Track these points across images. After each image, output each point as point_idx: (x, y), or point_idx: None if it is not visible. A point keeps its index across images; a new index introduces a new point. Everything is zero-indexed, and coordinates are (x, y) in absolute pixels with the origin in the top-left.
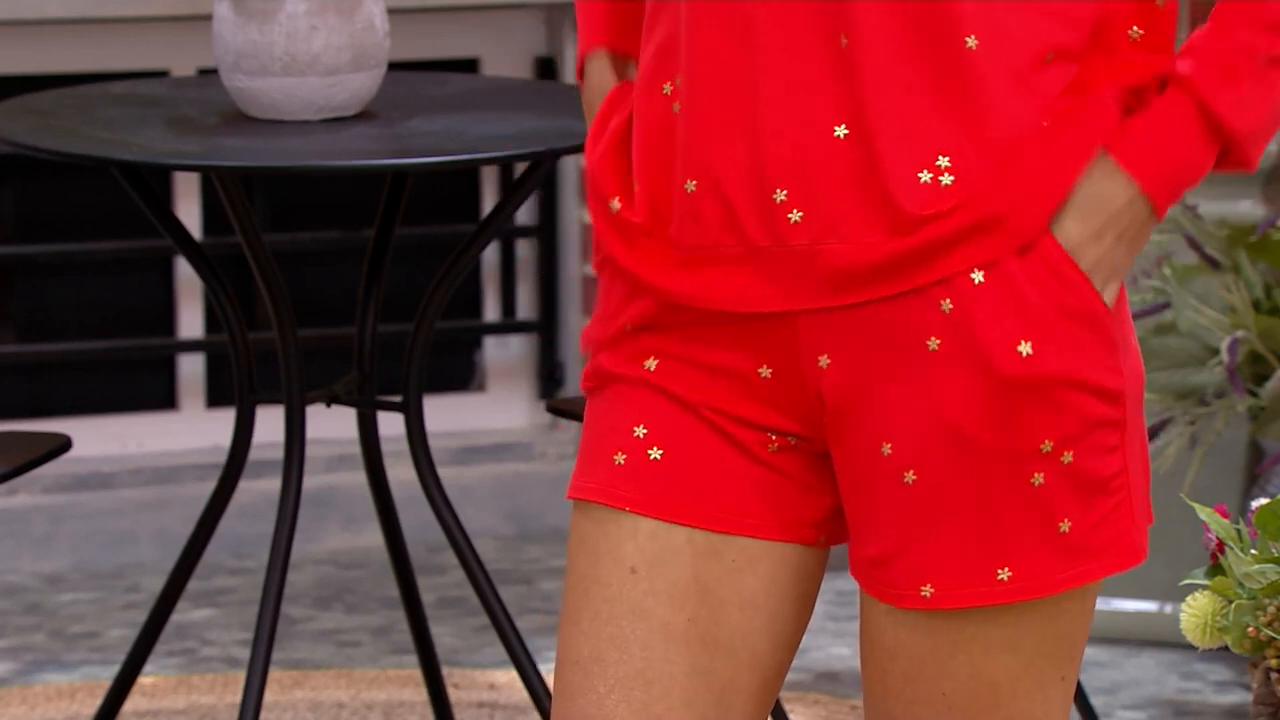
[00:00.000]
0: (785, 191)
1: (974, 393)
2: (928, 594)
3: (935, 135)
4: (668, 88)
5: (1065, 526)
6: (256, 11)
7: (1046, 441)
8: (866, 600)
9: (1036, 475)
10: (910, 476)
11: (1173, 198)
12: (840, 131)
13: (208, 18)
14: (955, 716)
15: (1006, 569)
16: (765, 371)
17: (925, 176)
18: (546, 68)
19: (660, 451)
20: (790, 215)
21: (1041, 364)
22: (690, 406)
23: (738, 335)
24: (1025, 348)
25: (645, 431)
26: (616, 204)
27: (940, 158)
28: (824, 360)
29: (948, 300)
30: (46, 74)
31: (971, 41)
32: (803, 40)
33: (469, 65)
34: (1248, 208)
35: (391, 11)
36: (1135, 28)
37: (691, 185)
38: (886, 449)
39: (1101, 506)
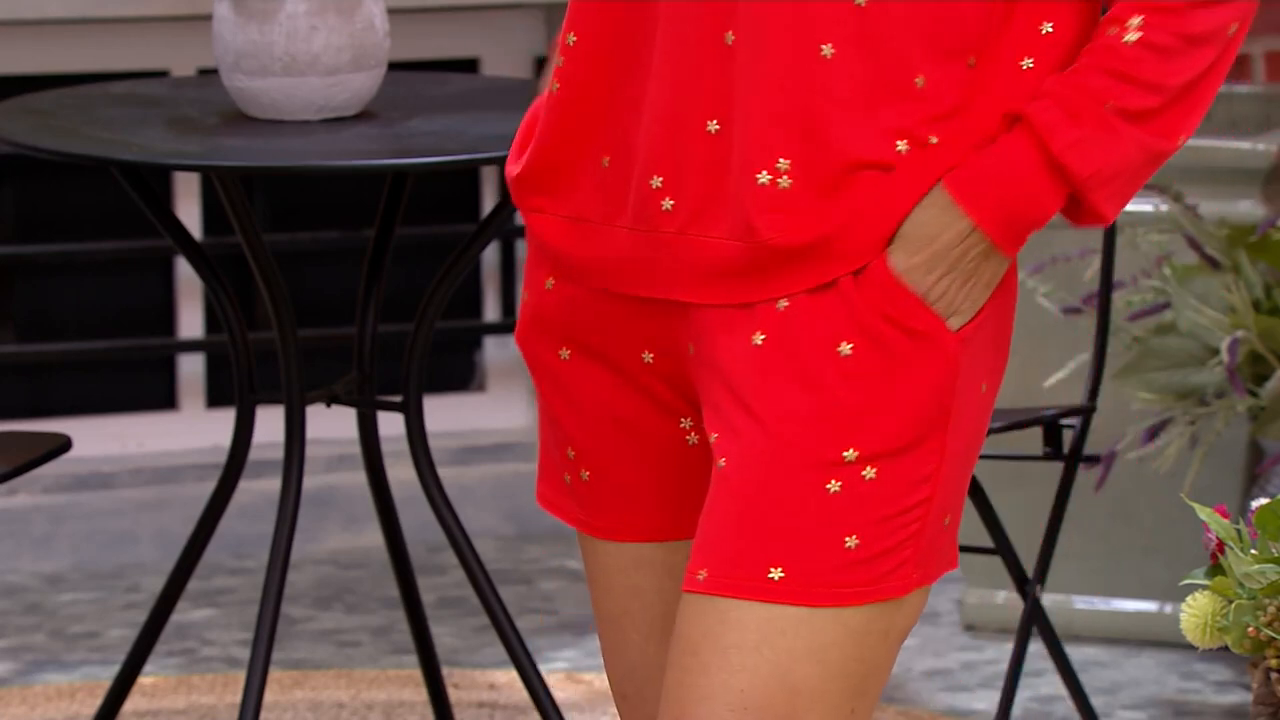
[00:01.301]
0: (660, 179)
1: (787, 388)
2: (701, 577)
3: (782, 139)
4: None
5: (851, 542)
6: (256, 11)
7: (851, 449)
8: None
9: (833, 482)
10: (721, 463)
11: (1014, 235)
12: (712, 126)
13: (208, 18)
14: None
15: (780, 569)
16: (648, 356)
17: (764, 178)
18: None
19: (588, 473)
20: (663, 202)
21: (859, 366)
22: (606, 414)
23: (629, 316)
24: (845, 348)
25: (574, 454)
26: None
27: (781, 160)
28: (691, 348)
29: (784, 300)
30: (46, 74)
31: (827, 50)
32: (692, 33)
33: (469, 65)
34: (1248, 208)
35: (391, 11)
36: (1027, 59)
37: (606, 161)
38: (713, 437)
39: (894, 534)
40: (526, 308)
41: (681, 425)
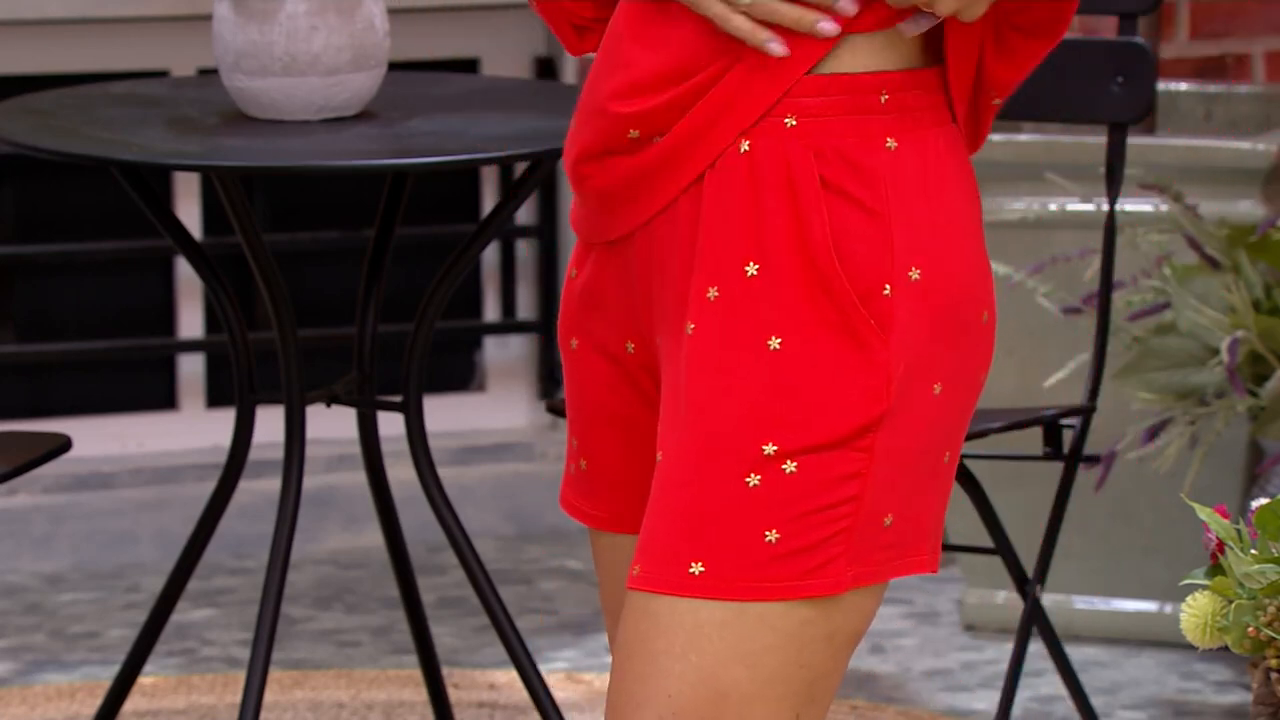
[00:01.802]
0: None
1: (713, 380)
2: (635, 573)
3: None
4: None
5: (772, 536)
6: (256, 11)
7: (770, 444)
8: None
9: (753, 475)
10: (659, 456)
11: None
12: None
13: (208, 18)
14: None
15: (700, 563)
16: (630, 346)
17: None
18: (546, 68)
19: (585, 462)
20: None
21: (784, 361)
22: (599, 402)
23: (617, 305)
24: (774, 342)
25: (577, 443)
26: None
27: None
28: (659, 340)
29: (713, 289)
30: (46, 74)
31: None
32: None
33: (469, 65)
34: (1248, 208)
35: (391, 11)
36: None
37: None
38: (660, 430)
39: (817, 529)
40: (562, 299)
41: None
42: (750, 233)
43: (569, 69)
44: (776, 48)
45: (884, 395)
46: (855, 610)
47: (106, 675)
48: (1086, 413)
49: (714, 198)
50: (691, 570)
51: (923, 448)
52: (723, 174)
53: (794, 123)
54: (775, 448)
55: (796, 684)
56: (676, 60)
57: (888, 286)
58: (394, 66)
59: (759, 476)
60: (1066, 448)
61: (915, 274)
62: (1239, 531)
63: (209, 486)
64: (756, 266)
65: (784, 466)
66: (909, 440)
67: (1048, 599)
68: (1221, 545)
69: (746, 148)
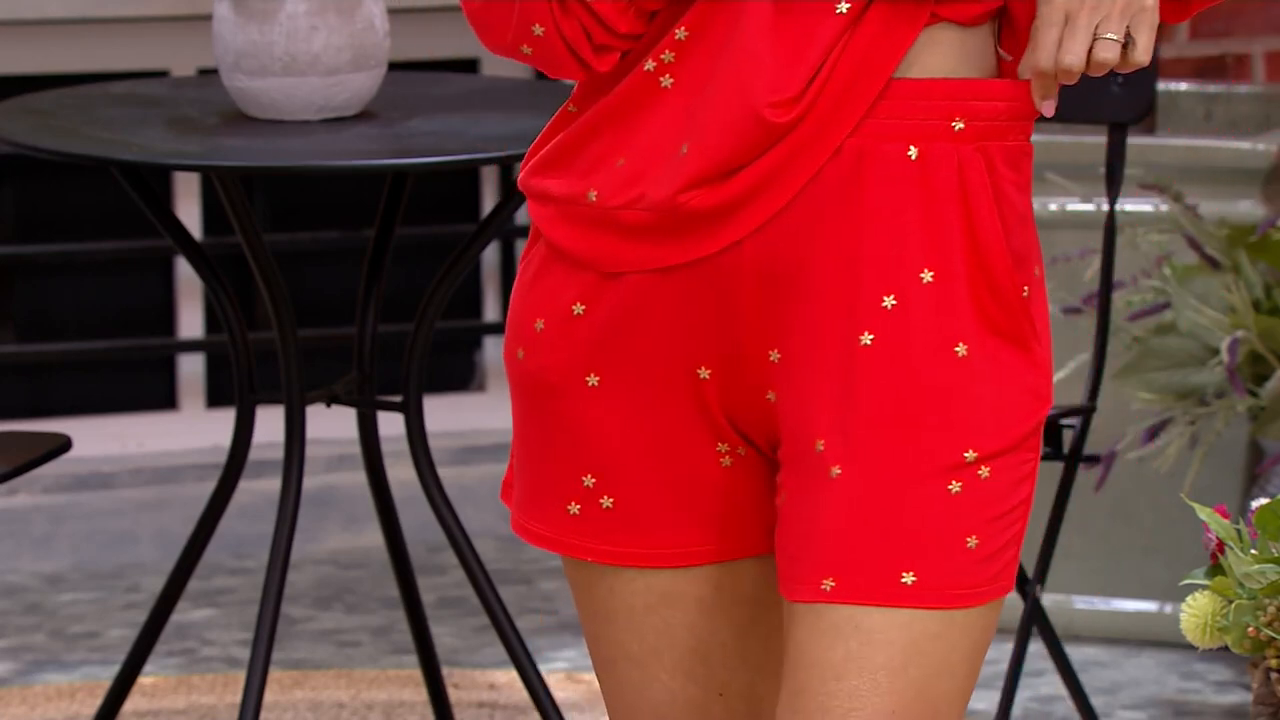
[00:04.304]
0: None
1: (904, 390)
2: (828, 587)
3: None
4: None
5: (972, 542)
6: (256, 11)
7: (971, 450)
8: (796, 619)
9: (955, 483)
10: (836, 471)
11: None
12: None
13: (208, 18)
14: None
15: (912, 573)
16: (704, 373)
17: None
18: None
19: (611, 500)
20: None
21: (973, 367)
22: (636, 437)
23: (684, 328)
24: (961, 349)
25: (594, 481)
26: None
27: None
28: (775, 354)
29: (890, 298)
30: (46, 74)
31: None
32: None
33: (469, 65)
34: (1248, 208)
35: (391, 11)
36: None
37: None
38: (820, 445)
39: (1004, 531)
40: (542, 339)
41: (718, 449)
42: (925, 239)
43: None
44: (1049, 107)
45: (1047, 394)
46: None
47: (106, 675)
48: (1086, 413)
49: (880, 203)
50: (904, 580)
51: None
52: (890, 179)
53: (962, 126)
54: (975, 454)
55: (970, 688)
56: (814, 63)
57: (1026, 288)
58: (394, 66)
59: (960, 483)
60: (1066, 448)
61: (1038, 271)
62: (1239, 531)
63: (209, 486)
64: (932, 273)
65: (979, 472)
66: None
67: (1048, 599)
68: (1221, 545)
69: (915, 154)
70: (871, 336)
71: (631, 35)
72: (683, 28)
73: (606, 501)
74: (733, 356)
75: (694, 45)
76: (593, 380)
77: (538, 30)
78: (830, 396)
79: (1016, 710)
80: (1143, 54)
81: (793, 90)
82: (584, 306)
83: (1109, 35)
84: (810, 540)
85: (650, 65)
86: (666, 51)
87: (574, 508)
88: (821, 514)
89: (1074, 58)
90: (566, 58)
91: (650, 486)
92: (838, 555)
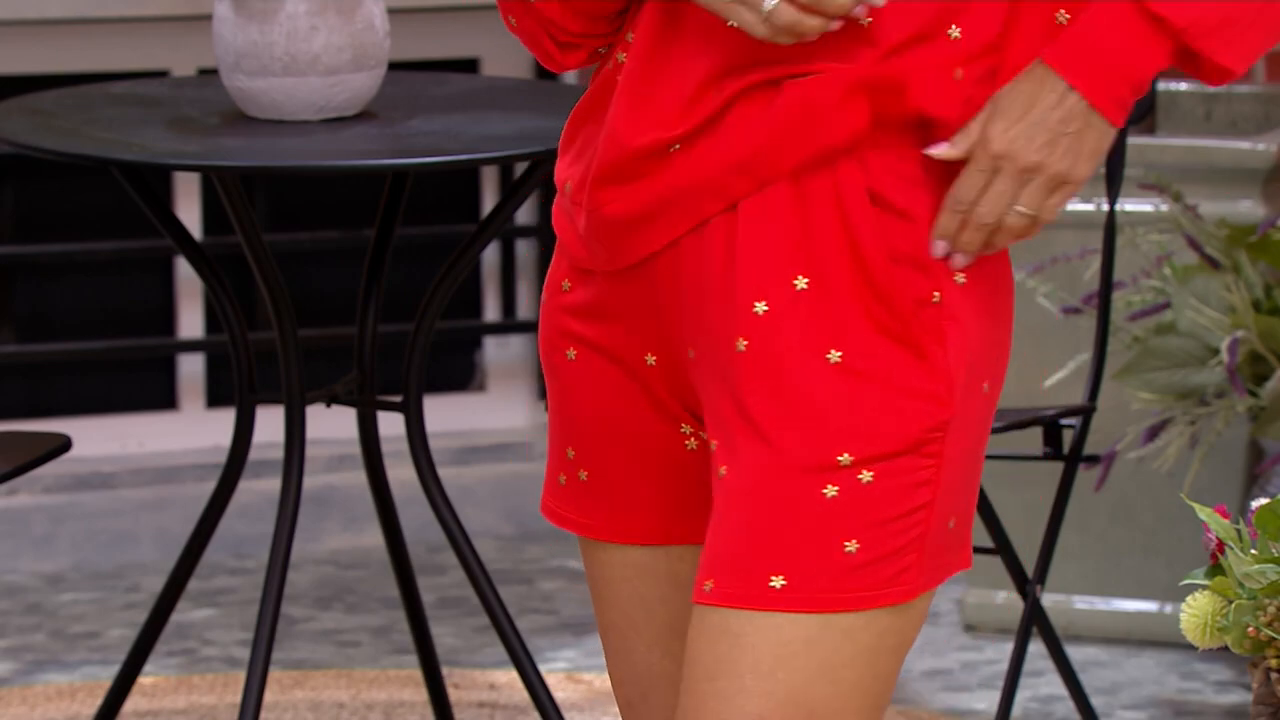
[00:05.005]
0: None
1: (778, 393)
2: (708, 588)
3: None
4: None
5: (852, 546)
6: (256, 11)
7: (846, 454)
8: (692, 617)
9: (830, 486)
10: (722, 471)
11: (1114, 96)
12: None
13: (208, 18)
14: None
15: (781, 576)
16: (651, 359)
17: None
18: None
19: (586, 473)
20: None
21: (848, 373)
22: (606, 414)
23: (636, 318)
24: (834, 355)
25: (574, 453)
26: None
27: None
28: (691, 353)
29: (762, 303)
30: (46, 74)
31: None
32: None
33: (469, 65)
34: (1248, 208)
35: (391, 11)
36: (1063, 11)
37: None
38: (713, 444)
39: (896, 538)
40: (542, 309)
41: (682, 431)
42: (797, 246)
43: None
44: (941, 248)
45: (948, 401)
46: (919, 615)
47: (106, 675)
48: (1086, 413)
49: (753, 213)
50: (772, 584)
51: (976, 447)
52: (762, 190)
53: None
54: (851, 457)
55: (873, 694)
56: (706, 79)
57: (937, 294)
58: (394, 66)
59: (836, 487)
60: (1066, 448)
61: (960, 278)
62: (1239, 531)
63: (209, 486)
64: (806, 280)
65: (860, 476)
66: (969, 442)
67: (1048, 599)
68: (1221, 545)
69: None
70: (745, 342)
71: (590, 35)
72: (630, 31)
73: (583, 474)
74: (669, 350)
75: (636, 49)
76: (570, 355)
77: (513, 22)
78: (718, 398)
79: (1016, 710)
80: (1050, 215)
81: (672, 128)
82: (569, 284)
83: (1020, 208)
84: (707, 542)
85: (621, 57)
86: (620, 52)
87: (562, 478)
88: (713, 514)
89: (987, 214)
90: (539, 52)
91: (619, 464)
92: (716, 557)
